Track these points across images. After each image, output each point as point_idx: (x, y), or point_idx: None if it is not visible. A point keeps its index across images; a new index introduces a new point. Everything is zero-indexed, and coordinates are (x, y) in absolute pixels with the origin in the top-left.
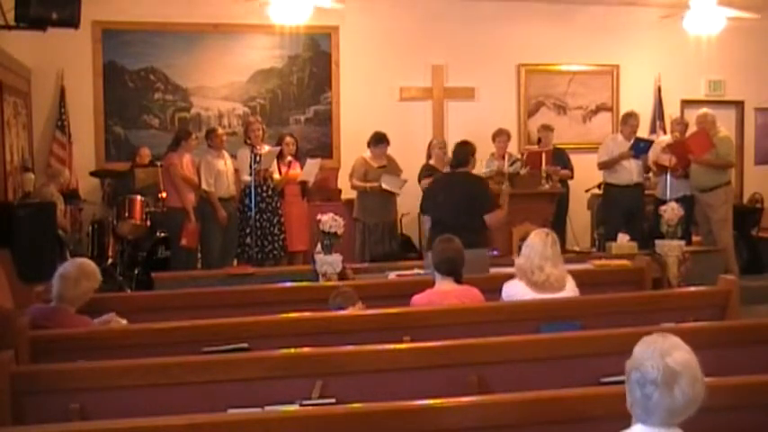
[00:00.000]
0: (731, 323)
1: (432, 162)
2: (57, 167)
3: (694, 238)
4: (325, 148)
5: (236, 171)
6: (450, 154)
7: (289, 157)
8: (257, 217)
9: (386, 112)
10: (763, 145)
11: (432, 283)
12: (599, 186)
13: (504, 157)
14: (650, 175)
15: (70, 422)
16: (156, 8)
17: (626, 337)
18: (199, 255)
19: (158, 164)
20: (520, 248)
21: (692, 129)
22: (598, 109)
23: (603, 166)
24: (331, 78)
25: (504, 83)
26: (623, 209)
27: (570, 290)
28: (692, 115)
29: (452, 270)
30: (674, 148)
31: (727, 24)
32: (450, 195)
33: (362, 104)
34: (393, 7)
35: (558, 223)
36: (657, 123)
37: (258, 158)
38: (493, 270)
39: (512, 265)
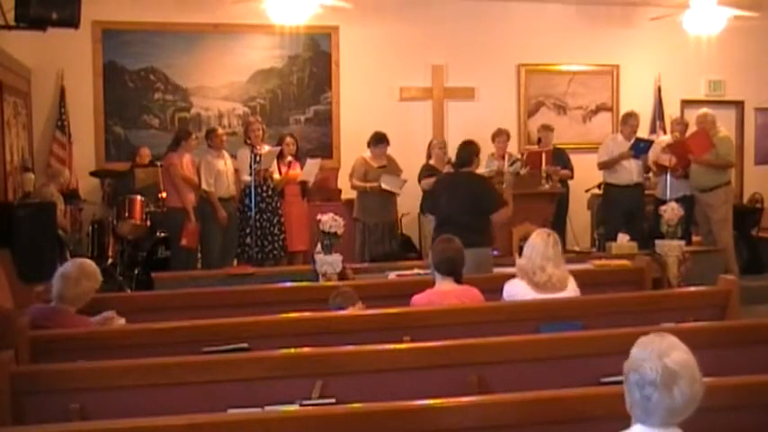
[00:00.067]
0: (731, 323)
1: (432, 162)
2: (57, 167)
3: (694, 238)
4: (325, 148)
5: (236, 171)
6: (450, 154)
7: (289, 158)
8: (257, 217)
9: (386, 112)
10: (763, 145)
11: (432, 283)
12: (599, 186)
13: (503, 157)
14: (650, 175)
15: (70, 422)
16: (156, 8)
17: (626, 337)
18: (199, 255)
19: (158, 164)
20: (520, 248)
21: (692, 129)
22: (598, 109)
23: (603, 166)
24: (331, 78)
25: (504, 83)
26: (623, 209)
27: (571, 290)
28: (692, 115)
29: (452, 270)
30: (674, 148)
31: (727, 24)
32: (454, 195)
33: (362, 104)
34: (393, 7)
35: (558, 223)
36: (657, 123)
37: (258, 158)
38: (493, 270)
39: (512, 265)
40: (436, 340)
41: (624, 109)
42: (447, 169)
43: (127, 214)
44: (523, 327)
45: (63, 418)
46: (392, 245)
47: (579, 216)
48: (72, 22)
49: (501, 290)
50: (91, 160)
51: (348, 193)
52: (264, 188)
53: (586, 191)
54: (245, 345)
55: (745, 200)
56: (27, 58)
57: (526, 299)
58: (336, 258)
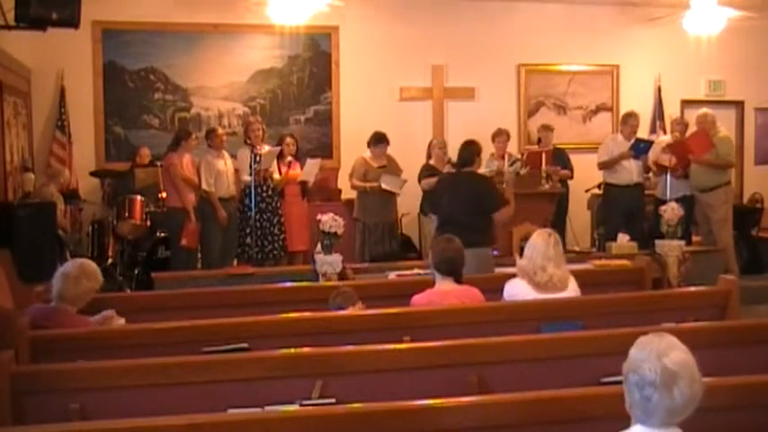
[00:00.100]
0: (731, 323)
1: (432, 162)
2: (57, 167)
3: (694, 238)
4: (325, 148)
5: (236, 171)
6: (450, 154)
7: (289, 158)
8: (257, 217)
9: (386, 112)
10: (763, 145)
11: (432, 283)
12: (599, 186)
13: (503, 157)
14: (650, 175)
15: (70, 422)
16: (156, 8)
17: (626, 337)
18: (199, 255)
19: (158, 164)
20: (520, 248)
21: (692, 129)
22: (598, 109)
23: (603, 166)
24: (331, 78)
25: (504, 83)
26: (623, 209)
27: (572, 290)
28: (692, 115)
29: (452, 270)
30: (674, 148)
31: (727, 24)
32: (455, 195)
33: (362, 104)
34: (393, 7)
35: (558, 223)
36: (657, 123)
37: (258, 158)
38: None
39: (512, 264)
40: (436, 340)
41: (624, 109)
42: (447, 169)
43: (127, 214)
44: (523, 327)
45: (63, 418)
46: (392, 245)
47: (579, 216)
48: (72, 22)
49: (501, 290)
50: (91, 160)
51: (348, 193)
52: (264, 188)
53: (586, 191)
54: (245, 345)
55: (745, 200)
56: (27, 58)
57: (527, 299)
58: (336, 258)
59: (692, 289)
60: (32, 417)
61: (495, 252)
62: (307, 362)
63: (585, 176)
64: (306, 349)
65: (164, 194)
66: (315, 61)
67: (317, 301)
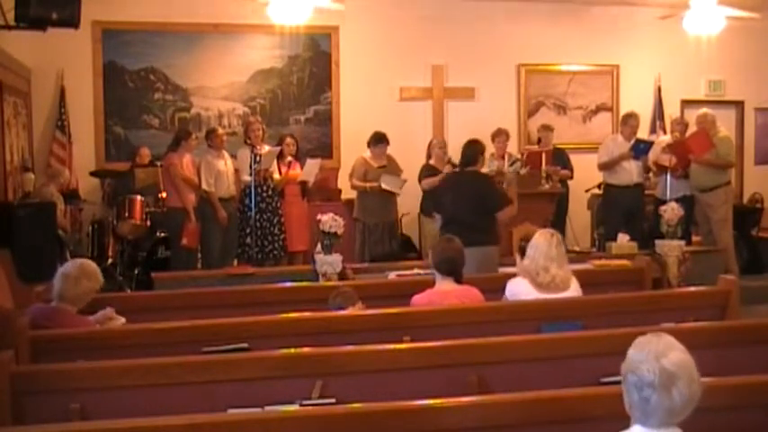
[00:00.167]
0: (731, 323)
1: (432, 162)
2: (57, 167)
3: (694, 238)
4: (325, 148)
5: (237, 171)
6: (450, 154)
7: (289, 158)
8: (257, 217)
9: (386, 112)
10: (763, 145)
11: (432, 283)
12: (599, 186)
13: (503, 157)
14: (650, 175)
15: (70, 422)
16: (156, 8)
17: (626, 337)
18: (199, 255)
19: (158, 164)
20: (520, 248)
21: (692, 129)
22: (598, 109)
23: (604, 167)
24: (331, 78)
25: (504, 83)
26: (623, 209)
27: (574, 290)
28: (692, 115)
29: (452, 270)
30: (674, 148)
31: (727, 24)
32: (459, 194)
33: (362, 104)
34: (393, 7)
35: (558, 223)
36: (657, 123)
37: (258, 158)
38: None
39: (512, 264)
40: (436, 340)
41: (624, 109)
42: (447, 169)
43: (127, 214)
44: (524, 327)
45: (63, 418)
46: (392, 245)
47: (579, 216)
48: (72, 22)
49: (502, 290)
50: (91, 160)
51: (348, 193)
52: (264, 188)
53: (586, 191)
54: (245, 345)
55: (745, 200)
56: (27, 58)
57: (527, 299)
58: (336, 258)
59: (692, 289)
60: (32, 417)
61: None
62: (307, 362)
63: (585, 176)
64: (306, 349)
65: (164, 194)
66: (315, 61)
67: (317, 301)
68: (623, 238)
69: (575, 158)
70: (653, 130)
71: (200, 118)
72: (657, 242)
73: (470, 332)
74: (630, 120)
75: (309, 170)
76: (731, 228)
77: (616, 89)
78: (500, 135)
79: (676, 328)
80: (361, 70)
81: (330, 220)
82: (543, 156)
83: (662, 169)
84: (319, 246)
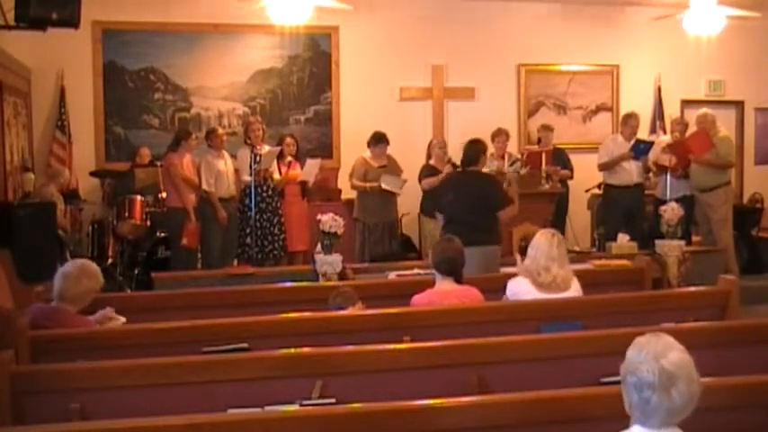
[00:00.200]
0: (731, 323)
1: (432, 162)
2: (57, 167)
3: (694, 238)
4: (325, 148)
5: (237, 171)
6: (450, 154)
7: (289, 158)
8: (257, 217)
9: (386, 112)
10: (763, 145)
11: (432, 283)
12: (599, 186)
13: (503, 157)
14: (650, 175)
15: (70, 422)
16: (156, 8)
17: (626, 337)
18: (199, 255)
19: (158, 164)
20: (520, 248)
21: (692, 129)
22: (598, 109)
23: (604, 167)
24: (331, 78)
25: (504, 83)
26: (623, 209)
27: (575, 290)
28: (692, 115)
29: (452, 270)
30: (674, 148)
31: (727, 24)
32: (461, 194)
33: (362, 104)
34: (393, 7)
35: (558, 223)
36: (657, 123)
37: (258, 158)
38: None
39: (512, 264)
40: (436, 340)
41: (624, 109)
42: (447, 169)
43: (127, 214)
44: (524, 327)
45: (63, 418)
46: (392, 245)
47: (579, 216)
48: (72, 22)
49: (501, 290)
50: (91, 160)
51: (348, 193)
52: (264, 188)
53: (586, 191)
54: (245, 345)
55: (745, 200)
56: (27, 58)
57: (527, 298)
58: (336, 258)
59: (692, 289)
60: (32, 417)
61: None
62: (307, 362)
63: (585, 176)
64: (306, 349)
65: (164, 194)
66: (315, 61)
67: (317, 301)
68: (623, 238)
69: (575, 158)
70: (653, 131)
71: (200, 118)
72: (657, 242)
73: (470, 332)
74: (630, 120)
75: (309, 170)
76: (731, 228)
77: (616, 89)
78: (500, 135)
79: (676, 328)
80: (361, 70)
81: (330, 220)
82: (543, 156)
83: (662, 169)
84: (319, 246)
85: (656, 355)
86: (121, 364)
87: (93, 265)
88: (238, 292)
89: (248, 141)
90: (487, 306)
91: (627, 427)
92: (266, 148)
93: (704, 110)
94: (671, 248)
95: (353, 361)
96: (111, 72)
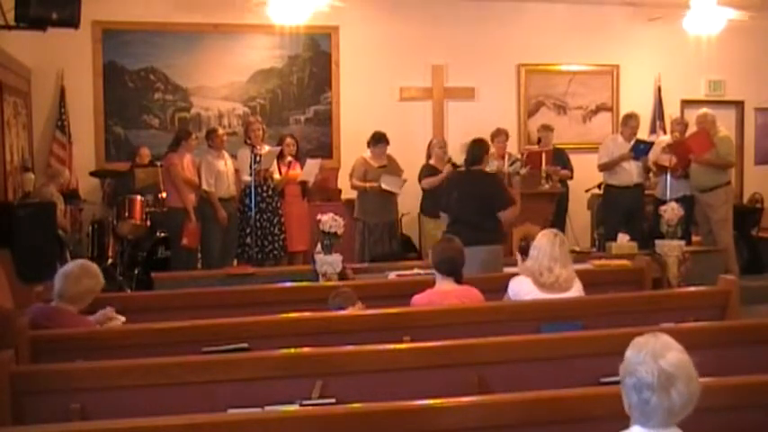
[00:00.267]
0: (731, 323)
1: (432, 162)
2: (57, 167)
3: (694, 238)
4: (325, 148)
5: (237, 171)
6: (450, 154)
7: (289, 158)
8: (257, 217)
9: (386, 112)
10: (763, 145)
11: (432, 283)
12: (599, 186)
13: (503, 157)
14: (650, 175)
15: (70, 422)
16: (156, 8)
17: (626, 337)
18: (199, 255)
19: (158, 164)
20: (520, 248)
21: (692, 129)
22: (598, 109)
23: (604, 167)
24: (331, 78)
25: (504, 83)
26: (623, 209)
27: (576, 290)
28: (692, 115)
29: (453, 270)
30: (674, 148)
31: (727, 24)
32: (464, 194)
33: (362, 104)
34: (393, 7)
35: (558, 223)
36: (657, 123)
37: (258, 158)
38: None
39: (513, 264)
40: (436, 340)
41: (624, 109)
42: (447, 169)
43: (127, 214)
44: (524, 327)
45: (63, 418)
46: (392, 245)
47: (579, 216)
48: (72, 22)
49: (502, 289)
50: (91, 160)
51: (348, 193)
52: (264, 188)
53: (586, 191)
54: (245, 345)
55: (745, 200)
56: (27, 58)
57: (527, 298)
58: (336, 258)
59: (692, 289)
60: (32, 417)
61: None
62: (307, 362)
63: (585, 176)
64: (306, 349)
65: (164, 194)
66: (315, 61)
67: (317, 301)
68: (623, 238)
69: (575, 158)
70: (653, 131)
71: (200, 118)
72: (657, 242)
73: (470, 332)
74: (630, 120)
75: (309, 170)
76: (731, 228)
77: (616, 89)
78: (499, 135)
79: (676, 329)
80: (361, 70)
81: (330, 220)
82: (543, 156)
83: (662, 169)
84: (319, 246)
85: (654, 355)
86: (121, 364)
87: (94, 266)
88: (238, 292)
89: (248, 141)
90: (487, 306)
91: (627, 427)
92: (266, 148)
93: (704, 110)
94: (671, 248)
95: (353, 361)
96: (111, 72)
